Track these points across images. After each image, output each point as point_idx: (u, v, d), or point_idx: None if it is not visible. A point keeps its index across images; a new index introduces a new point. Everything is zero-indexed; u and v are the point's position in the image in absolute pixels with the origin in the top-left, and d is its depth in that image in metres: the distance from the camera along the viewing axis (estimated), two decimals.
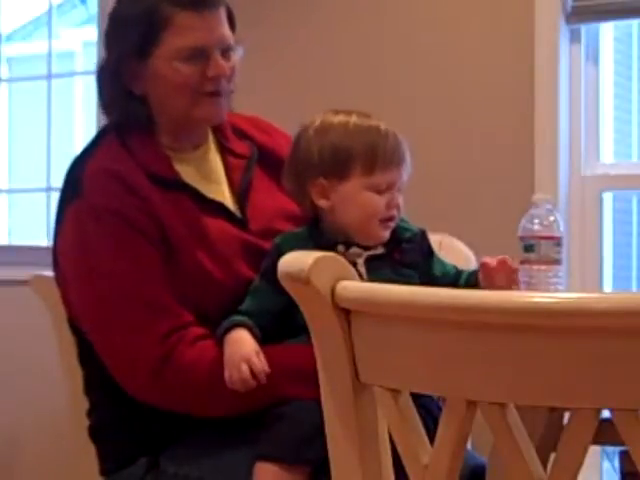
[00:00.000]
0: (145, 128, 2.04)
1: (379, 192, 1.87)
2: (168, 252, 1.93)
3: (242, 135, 2.16)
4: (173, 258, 1.94)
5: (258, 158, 2.13)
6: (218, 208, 2.03)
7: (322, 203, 1.89)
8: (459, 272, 1.95)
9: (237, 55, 2.04)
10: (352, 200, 1.88)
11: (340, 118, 1.90)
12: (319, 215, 1.93)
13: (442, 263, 1.97)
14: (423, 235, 1.95)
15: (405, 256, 1.91)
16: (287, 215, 2.07)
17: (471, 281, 1.90)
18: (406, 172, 1.91)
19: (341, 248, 1.87)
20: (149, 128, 2.04)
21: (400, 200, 1.90)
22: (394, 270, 1.89)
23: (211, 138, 2.13)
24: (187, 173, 2.04)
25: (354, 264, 1.81)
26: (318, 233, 1.91)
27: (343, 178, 1.87)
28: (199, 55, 1.98)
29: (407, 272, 1.90)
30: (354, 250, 1.88)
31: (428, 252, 1.95)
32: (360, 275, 1.84)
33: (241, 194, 2.08)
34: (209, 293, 1.94)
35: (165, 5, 1.96)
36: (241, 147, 2.14)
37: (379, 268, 1.88)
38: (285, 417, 1.79)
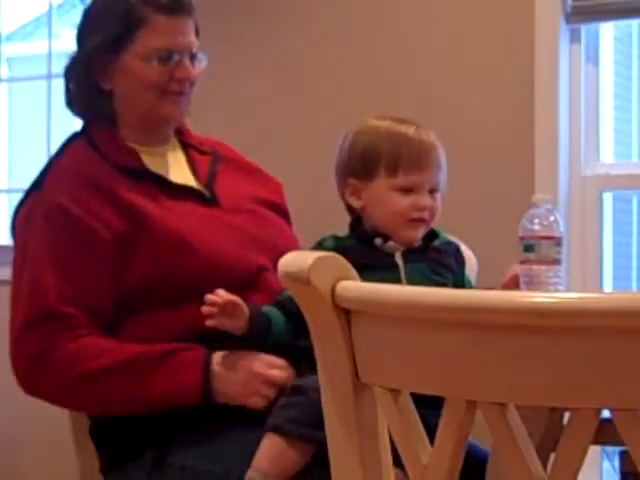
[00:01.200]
0: (109, 123, 2.13)
1: (405, 193, 1.91)
2: (139, 237, 1.99)
3: (201, 142, 2.27)
4: (148, 238, 1.99)
5: (221, 157, 2.24)
6: (187, 191, 2.12)
7: (354, 202, 1.95)
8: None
9: (202, 64, 2.14)
10: (379, 200, 1.93)
11: (375, 122, 1.96)
12: (360, 213, 1.98)
13: (470, 281, 2.02)
14: (457, 247, 2.01)
15: (440, 256, 1.95)
16: (256, 198, 2.19)
17: None
18: (438, 175, 1.94)
19: (378, 241, 1.92)
20: (114, 123, 2.13)
21: (429, 201, 1.92)
22: (430, 265, 1.93)
23: (174, 140, 2.23)
24: (153, 164, 2.13)
25: (392, 255, 1.91)
26: (360, 229, 1.96)
27: (370, 178, 1.93)
28: (170, 57, 2.07)
29: (442, 271, 1.94)
30: (391, 244, 1.92)
31: (462, 263, 1.99)
32: (397, 266, 1.90)
33: (208, 181, 2.17)
34: (188, 265, 2.00)
35: (142, 6, 2.06)
36: (203, 147, 2.26)
37: (416, 261, 1.92)
38: (299, 395, 1.81)
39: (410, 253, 1.93)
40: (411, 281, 1.89)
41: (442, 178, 1.95)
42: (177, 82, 2.09)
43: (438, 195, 1.95)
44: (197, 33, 2.15)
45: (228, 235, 2.07)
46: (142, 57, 2.07)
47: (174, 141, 2.22)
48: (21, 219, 2.08)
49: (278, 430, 1.81)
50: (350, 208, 1.99)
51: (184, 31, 2.10)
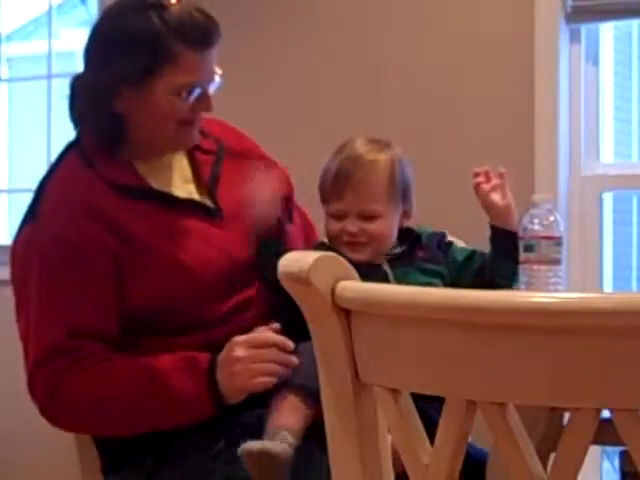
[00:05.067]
0: (112, 141, 2.05)
1: (336, 219, 2.02)
2: (139, 260, 1.96)
3: (205, 135, 2.18)
4: (148, 261, 1.96)
5: (226, 152, 2.17)
6: (189, 206, 2.06)
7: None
8: (477, 253, 2.07)
9: (217, 82, 2.06)
10: (326, 225, 2.06)
11: (335, 151, 2.05)
12: None
13: (464, 249, 2.10)
14: (442, 234, 2.09)
15: (427, 252, 2.03)
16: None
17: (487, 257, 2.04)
18: (361, 201, 2.00)
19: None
20: (117, 142, 2.06)
21: (356, 227, 2.00)
22: (418, 267, 2.01)
23: None
24: (153, 178, 2.07)
25: (379, 265, 2.00)
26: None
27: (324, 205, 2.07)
28: (194, 92, 2.00)
29: (431, 267, 2.02)
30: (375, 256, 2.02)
31: (446, 245, 2.08)
32: (386, 274, 1.98)
33: (211, 186, 2.11)
34: (187, 287, 1.98)
35: (173, 40, 1.96)
36: (207, 143, 2.17)
37: (402, 266, 2.00)
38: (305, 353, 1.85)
39: (396, 260, 2.01)
40: (401, 284, 1.92)
41: (374, 204, 2.00)
42: (195, 113, 2.03)
43: (382, 220, 2.01)
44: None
45: (225, 257, 2.03)
46: (166, 91, 1.98)
47: None
48: (18, 253, 2.03)
49: (289, 386, 1.87)
50: None
51: (209, 64, 2.02)
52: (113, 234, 1.96)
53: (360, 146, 2.03)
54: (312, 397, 1.83)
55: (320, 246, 2.06)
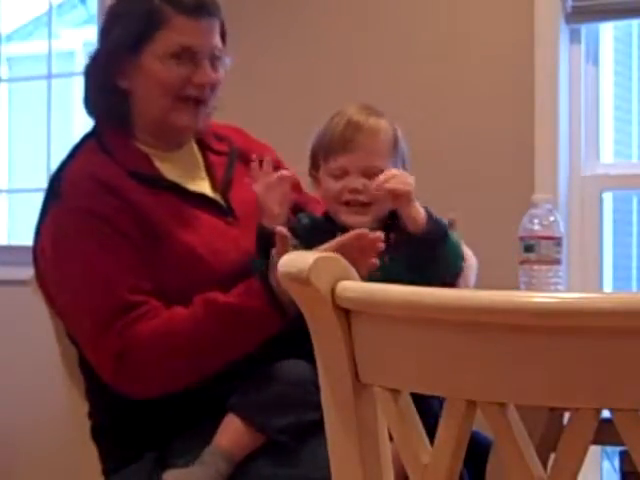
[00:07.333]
0: (125, 125, 2.08)
1: (337, 178, 1.98)
2: (153, 245, 1.97)
3: (220, 138, 2.21)
4: (162, 248, 1.97)
5: (238, 156, 2.18)
6: (202, 200, 2.08)
7: (315, 192, 2.05)
8: None
9: (224, 67, 2.08)
10: (322, 187, 2.02)
11: (334, 114, 2.02)
12: None
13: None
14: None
15: (397, 234, 1.97)
16: None
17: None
18: (369, 158, 1.97)
19: (339, 235, 1.93)
20: (128, 127, 2.09)
21: (360, 183, 1.95)
22: (383, 259, 1.92)
23: (192, 141, 2.18)
24: (168, 170, 2.09)
25: None
26: (327, 221, 2.01)
27: (318, 169, 2.03)
28: (188, 57, 2.03)
29: (395, 255, 1.94)
30: None
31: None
32: None
33: (224, 187, 2.13)
34: (200, 277, 1.97)
35: (165, 6, 2.03)
36: (221, 146, 2.20)
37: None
38: (264, 380, 1.90)
39: None
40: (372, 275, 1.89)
41: (380, 162, 1.97)
42: (194, 87, 2.04)
43: None
44: (223, 36, 2.09)
45: (239, 252, 2.02)
46: (160, 57, 2.02)
47: (191, 143, 2.17)
48: (49, 237, 2.01)
49: (238, 412, 1.89)
50: None
51: (206, 33, 2.04)
52: (134, 215, 1.96)
53: (361, 110, 2.01)
54: (261, 432, 1.88)
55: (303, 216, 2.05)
